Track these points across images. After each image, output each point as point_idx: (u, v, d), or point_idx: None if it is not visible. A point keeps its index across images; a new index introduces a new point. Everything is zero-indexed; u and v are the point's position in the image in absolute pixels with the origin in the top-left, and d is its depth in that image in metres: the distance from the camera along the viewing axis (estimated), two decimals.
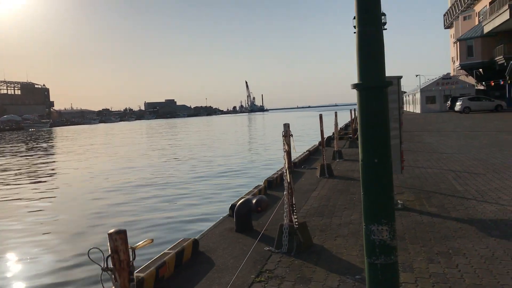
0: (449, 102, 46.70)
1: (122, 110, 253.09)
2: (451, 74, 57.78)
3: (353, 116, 23.37)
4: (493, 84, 44.81)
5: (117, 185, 15.47)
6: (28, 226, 10.24)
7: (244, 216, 6.35)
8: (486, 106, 40.75)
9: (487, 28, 45.25)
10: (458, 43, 51.60)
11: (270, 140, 33.99)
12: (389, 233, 2.70)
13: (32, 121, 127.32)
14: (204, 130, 63.31)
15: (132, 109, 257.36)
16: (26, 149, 38.95)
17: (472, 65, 49.49)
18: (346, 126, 31.76)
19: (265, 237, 5.77)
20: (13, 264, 7.71)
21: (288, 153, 5.34)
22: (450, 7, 68.85)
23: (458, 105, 41.39)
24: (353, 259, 4.85)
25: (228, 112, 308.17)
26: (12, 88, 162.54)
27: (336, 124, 14.27)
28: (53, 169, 21.87)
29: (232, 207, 7.06)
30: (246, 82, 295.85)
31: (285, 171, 5.36)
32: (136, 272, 4.33)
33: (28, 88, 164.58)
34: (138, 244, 1.91)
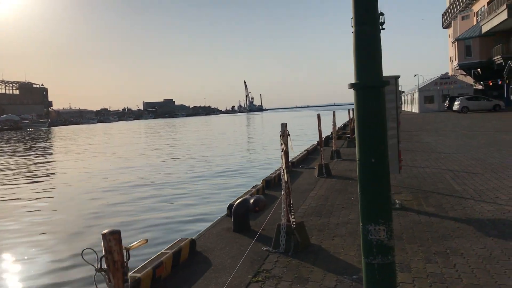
0: (447, 101, 46.74)
1: (121, 109, 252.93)
2: (449, 74, 57.82)
3: (351, 116, 23.36)
4: (491, 83, 44.86)
5: (114, 185, 15.45)
6: (25, 226, 10.21)
7: (241, 216, 6.34)
8: (484, 106, 40.81)
9: (485, 28, 45.31)
10: (456, 42, 51.65)
11: (269, 139, 33.97)
12: (386, 233, 2.69)
13: (31, 121, 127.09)
14: (202, 130, 63.28)
15: (130, 109, 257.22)
16: (24, 149, 38.88)
17: (470, 65, 49.55)
18: (345, 125, 31.79)
19: (262, 237, 5.76)
20: (8, 264, 7.67)
21: (286, 153, 5.33)
22: (449, 7, 68.93)
23: (456, 105, 41.45)
24: (351, 259, 4.84)
25: (226, 111, 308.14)
26: (11, 88, 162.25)
27: (334, 124, 14.27)
28: (50, 169, 21.83)
29: (230, 207, 7.05)
30: (245, 82, 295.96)
31: (282, 171, 5.35)
32: (133, 272, 4.32)
33: (26, 87, 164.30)
34: (133, 244, 1.90)
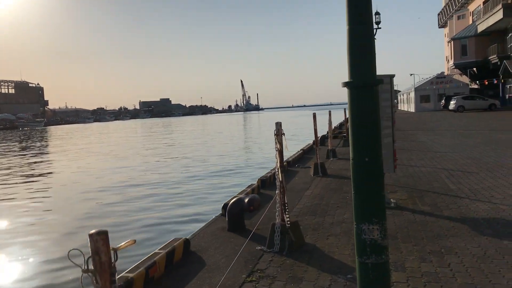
0: (443, 101, 46.89)
1: (117, 109, 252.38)
2: (445, 73, 58.01)
3: (347, 115, 23.34)
4: (486, 83, 45.05)
5: (109, 184, 15.38)
6: (17, 226, 10.15)
7: (236, 215, 6.31)
8: (480, 105, 40.96)
9: (481, 28, 45.45)
10: (452, 42, 51.82)
11: (265, 139, 33.95)
12: (380, 232, 2.68)
13: (26, 120, 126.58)
14: (199, 129, 63.19)
15: (127, 108, 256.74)
16: (19, 148, 38.70)
17: (466, 64, 49.72)
18: (341, 125, 31.78)
19: (257, 237, 5.73)
20: None
21: (280, 152, 5.31)
22: (444, 6, 69.11)
23: (452, 104, 41.57)
24: (345, 258, 4.82)
25: (223, 111, 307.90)
26: (6, 87, 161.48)
27: (330, 123, 14.25)
28: (45, 169, 21.73)
29: (225, 206, 7.01)
30: (242, 81, 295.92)
31: (277, 170, 5.32)
32: (125, 273, 4.28)
33: (22, 87, 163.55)
34: (120, 245, 1.86)
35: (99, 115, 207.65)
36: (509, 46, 43.82)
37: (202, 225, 7.07)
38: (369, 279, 2.70)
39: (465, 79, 53.53)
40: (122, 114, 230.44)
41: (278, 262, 4.85)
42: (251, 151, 25.90)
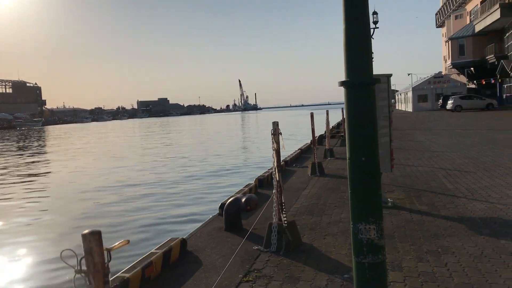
0: (440, 100, 46.96)
1: (115, 108, 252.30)
2: (443, 73, 58.10)
3: (344, 115, 23.36)
4: (484, 82, 45.14)
5: (106, 184, 15.34)
6: (12, 226, 10.11)
7: (233, 215, 6.30)
8: (477, 105, 41.03)
9: (478, 27, 45.55)
10: (449, 42, 51.90)
11: (263, 138, 33.93)
12: (377, 232, 2.67)
13: (24, 120, 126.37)
14: (197, 128, 63.14)
15: (124, 108, 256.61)
16: (16, 148, 38.60)
17: (463, 64, 49.82)
18: (338, 124, 31.80)
19: (254, 236, 5.72)
20: None
21: (277, 151, 5.29)
22: (442, 6, 69.23)
23: (449, 104, 41.64)
24: (342, 258, 4.81)
25: (221, 110, 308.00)
26: (4, 87, 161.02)
27: (327, 123, 14.25)
28: (42, 169, 21.67)
29: (222, 206, 6.99)
30: (240, 81, 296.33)
31: (274, 169, 5.31)
32: (121, 273, 4.26)
33: (19, 86, 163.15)
34: (114, 245, 1.85)
35: (97, 114, 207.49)
36: (506, 46, 43.93)
37: (199, 225, 7.05)
38: (366, 279, 2.69)
39: (462, 78, 53.64)
40: (120, 113, 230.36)
41: (275, 261, 4.84)
42: (249, 150, 25.89)
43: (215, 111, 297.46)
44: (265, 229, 5.40)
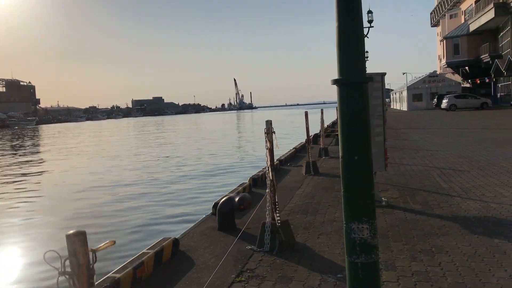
0: (435, 99, 47.11)
1: (109, 107, 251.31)
2: (438, 72, 58.30)
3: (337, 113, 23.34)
4: (478, 82, 45.34)
5: (100, 184, 15.25)
6: (1, 226, 10.01)
7: (226, 214, 6.25)
8: (472, 104, 41.20)
9: (473, 27, 45.75)
10: (444, 41, 52.10)
11: (258, 138, 33.90)
12: (370, 231, 2.64)
13: (18, 119, 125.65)
14: (191, 128, 63.01)
15: (119, 107, 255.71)
16: (9, 147, 38.34)
17: (458, 63, 50.02)
18: (333, 123, 31.81)
19: (247, 236, 5.67)
20: None
21: (271, 151, 5.25)
22: (437, 5, 69.47)
23: (444, 103, 41.78)
24: (335, 257, 4.78)
25: (216, 109, 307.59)
26: None
27: (322, 122, 14.22)
28: (35, 168, 21.52)
29: (215, 205, 6.95)
30: (235, 80, 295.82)
31: (267, 169, 5.27)
32: (112, 273, 4.21)
33: (13, 85, 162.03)
34: (100, 246, 1.80)
35: (91, 113, 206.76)
36: (500, 45, 44.14)
37: (192, 225, 7.00)
38: (359, 279, 2.66)
39: (457, 78, 53.84)
40: (114, 112, 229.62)
41: (268, 261, 4.80)
42: (244, 150, 25.84)
43: (210, 110, 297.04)
44: (258, 228, 5.36)
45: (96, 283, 3.90)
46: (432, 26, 75.53)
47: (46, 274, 6.31)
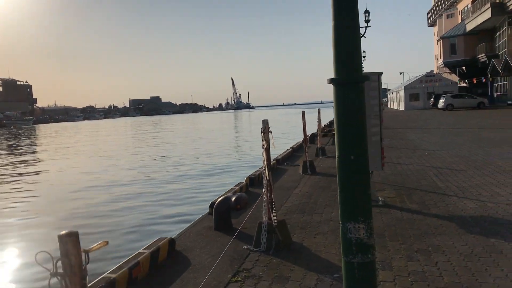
0: (432, 99, 47.19)
1: (107, 107, 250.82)
2: (435, 72, 58.40)
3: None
4: (475, 81, 45.43)
5: (96, 184, 15.19)
6: None
7: (223, 214, 6.23)
8: (469, 103, 41.30)
9: (469, 26, 45.82)
10: (441, 41, 52.18)
11: (256, 137, 33.88)
12: (366, 231, 2.63)
13: (14, 118, 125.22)
14: (189, 127, 62.93)
15: (116, 106, 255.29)
16: (5, 146, 38.20)
17: (455, 63, 50.12)
18: (331, 123, 31.82)
19: (244, 235, 5.66)
20: None
21: (267, 150, 5.24)
22: (434, 5, 69.59)
23: (441, 102, 41.86)
24: (332, 257, 4.76)
25: (214, 109, 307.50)
26: None
27: (319, 121, 14.21)
28: (30, 168, 21.44)
29: (212, 205, 6.93)
30: (232, 79, 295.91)
31: (264, 168, 5.25)
32: (108, 273, 4.19)
33: (10, 84, 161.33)
34: (92, 246, 1.78)
35: (89, 113, 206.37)
36: (497, 45, 44.26)
37: (189, 224, 6.97)
38: (355, 279, 2.65)
39: (454, 77, 53.95)
40: (111, 112, 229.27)
41: (264, 261, 4.78)
42: (241, 149, 25.81)
43: (208, 109, 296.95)
44: (255, 228, 5.35)
45: (91, 283, 3.89)
46: (429, 26, 75.67)
47: (38, 275, 6.24)
